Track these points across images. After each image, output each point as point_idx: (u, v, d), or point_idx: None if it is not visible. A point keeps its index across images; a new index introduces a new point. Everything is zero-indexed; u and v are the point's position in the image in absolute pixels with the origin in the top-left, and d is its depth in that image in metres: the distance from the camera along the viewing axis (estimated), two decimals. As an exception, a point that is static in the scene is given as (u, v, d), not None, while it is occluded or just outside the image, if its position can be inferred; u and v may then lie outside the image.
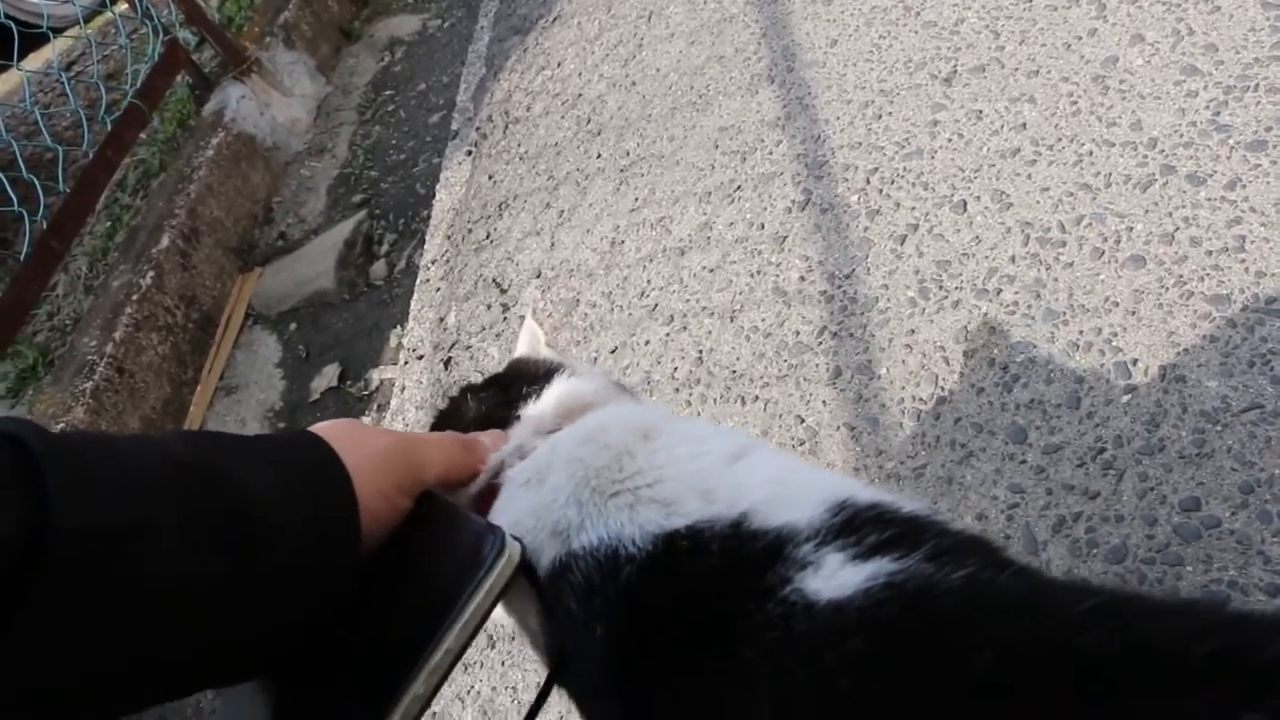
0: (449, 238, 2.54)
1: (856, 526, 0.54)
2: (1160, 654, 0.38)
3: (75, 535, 0.42)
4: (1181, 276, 1.49)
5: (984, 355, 1.56)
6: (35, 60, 3.50)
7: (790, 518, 0.56)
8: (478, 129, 2.88)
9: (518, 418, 0.78)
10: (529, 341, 0.99)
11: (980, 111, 1.91)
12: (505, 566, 0.55)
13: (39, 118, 2.81)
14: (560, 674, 0.61)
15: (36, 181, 2.50)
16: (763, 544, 0.55)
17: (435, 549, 0.60)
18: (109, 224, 2.97)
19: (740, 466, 0.64)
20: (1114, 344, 1.47)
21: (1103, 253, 1.58)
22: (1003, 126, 1.86)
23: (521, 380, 0.83)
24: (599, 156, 2.45)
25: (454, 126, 2.98)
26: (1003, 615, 0.44)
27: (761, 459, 0.66)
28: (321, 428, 0.61)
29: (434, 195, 2.74)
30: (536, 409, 0.78)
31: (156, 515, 0.46)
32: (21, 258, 2.37)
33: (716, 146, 2.24)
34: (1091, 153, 1.72)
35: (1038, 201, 1.70)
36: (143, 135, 3.04)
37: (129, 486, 0.45)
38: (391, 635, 0.55)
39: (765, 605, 0.50)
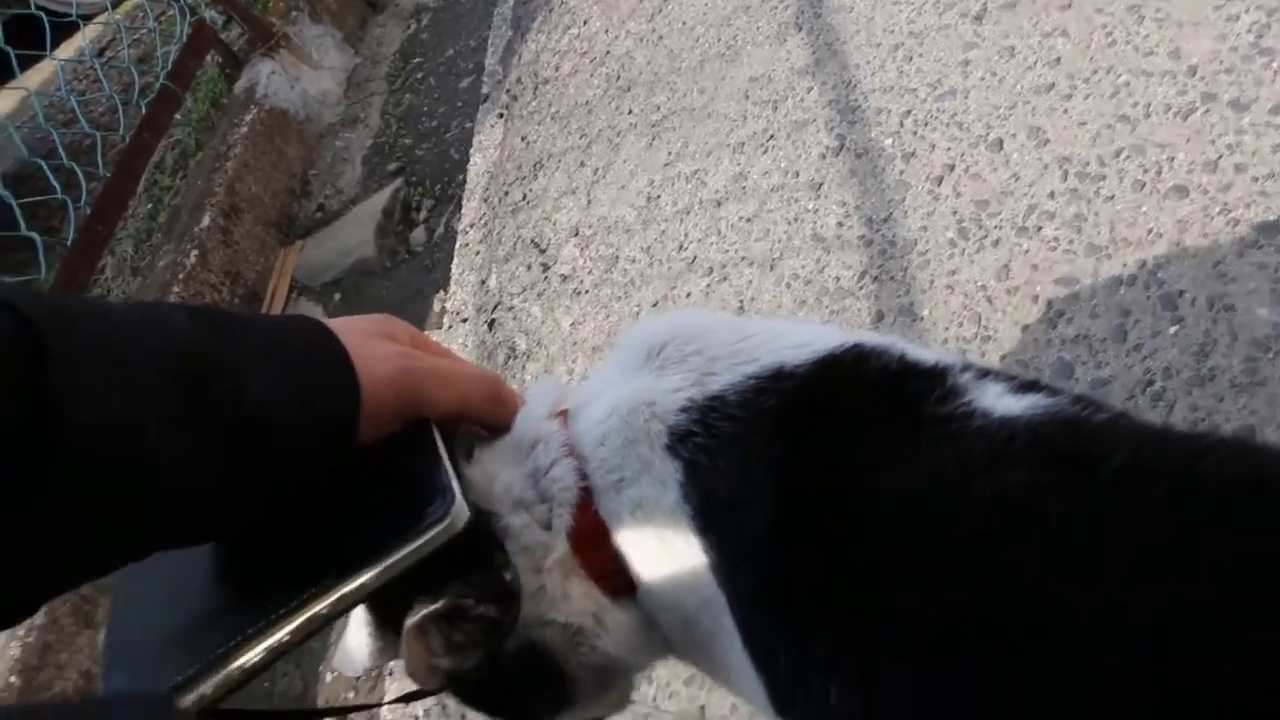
0: (485, 200, 2.56)
1: (995, 372, 0.57)
2: (1271, 479, 0.44)
3: (83, 429, 0.43)
4: (1227, 205, 1.48)
5: (1027, 292, 1.56)
6: (68, 49, 3.53)
7: (937, 356, 0.59)
8: (508, 91, 2.88)
9: None
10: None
11: (1013, 48, 1.89)
12: (441, 533, 0.55)
13: (75, 105, 2.85)
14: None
15: (77, 168, 2.54)
16: (929, 365, 0.58)
17: (394, 486, 0.60)
18: (150, 205, 3.03)
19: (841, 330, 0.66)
20: (1159, 276, 1.46)
21: (1144, 184, 1.57)
22: (1036, 62, 1.84)
23: None
24: (630, 113, 2.45)
25: (484, 90, 2.99)
26: (1139, 437, 0.51)
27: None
28: (342, 330, 0.59)
29: (468, 160, 2.76)
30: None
31: (159, 409, 0.47)
32: (68, 244, 2.43)
33: (747, 97, 2.23)
34: (1129, 84, 1.70)
35: (1075, 136, 1.69)
36: (177, 116, 3.08)
37: (131, 376, 0.46)
38: (323, 551, 0.57)
39: (947, 401, 0.54)
